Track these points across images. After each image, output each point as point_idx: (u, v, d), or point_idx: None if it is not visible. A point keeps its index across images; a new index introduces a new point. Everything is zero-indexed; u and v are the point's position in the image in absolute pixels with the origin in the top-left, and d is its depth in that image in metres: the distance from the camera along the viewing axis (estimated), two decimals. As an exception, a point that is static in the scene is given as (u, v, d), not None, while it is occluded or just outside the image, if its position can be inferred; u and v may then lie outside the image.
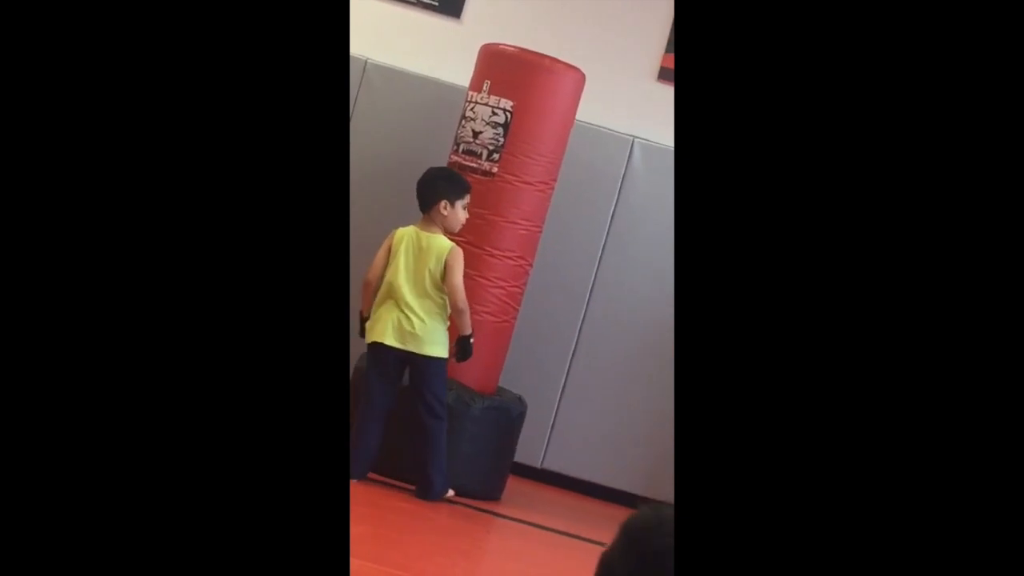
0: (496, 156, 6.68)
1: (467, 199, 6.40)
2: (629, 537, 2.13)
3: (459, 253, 6.33)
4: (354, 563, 4.98)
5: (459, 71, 7.20)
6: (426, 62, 7.62)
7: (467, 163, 6.73)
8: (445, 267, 6.29)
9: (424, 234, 6.35)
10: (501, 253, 6.72)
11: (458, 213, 6.36)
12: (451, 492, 6.44)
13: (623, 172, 7.57)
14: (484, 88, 6.72)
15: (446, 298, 6.33)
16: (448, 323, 6.37)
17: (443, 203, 6.33)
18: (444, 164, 6.91)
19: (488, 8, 7.80)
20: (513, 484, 7.05)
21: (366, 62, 7.54)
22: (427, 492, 6.36)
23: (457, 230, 6.41)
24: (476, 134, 6.71)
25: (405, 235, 6.38)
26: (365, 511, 6.03)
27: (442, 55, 7.65)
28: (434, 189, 6.36)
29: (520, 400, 6.94)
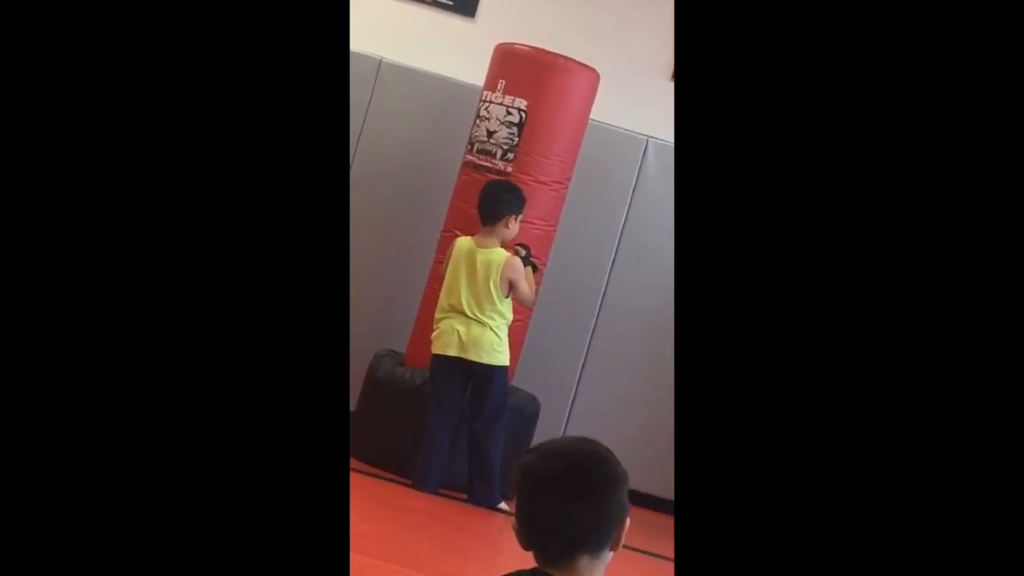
0: (510, 155, 6.69)
1: (523, 210, 6.50)
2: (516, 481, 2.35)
3: (512, 264, 6.40)
4: (367, 561, 4.99)
5: (473, 70, 7.20)
6: (440, 61, 7.62)
7: (481, 162, 6.74)
8: (507, 281, 6.38)
9: (481, 251, 6.40)
10: (515, 252, 6.73)
11: (516, 226, 6.47)
12: (505, 505, 6.48)
13: (637, 172, 7.57)
14: (499, 87, 6.73)
15: (509, 309, 6.43)
16: (507, 333, 6.50)
17: (510, 217, 6.41)
18: (458, 163, 6.92)
19: (502, 7, 7.80)
20: (526, 483, 7.04)
21: (380, 61, 7.55)
22: (486, 499, 6.42)
23: (509, 241, 6.52)
24: (491, 133, 6.71)
25: (463, 249, 6.43)
26: (378, 509, 6.04)
27: (456, 54, 7.65)
28: (504, 204, 6.42)
29: (533, 399, 6.94)
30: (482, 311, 6.37)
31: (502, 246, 6.44)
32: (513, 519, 2.36)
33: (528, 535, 2.33)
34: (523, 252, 6.48)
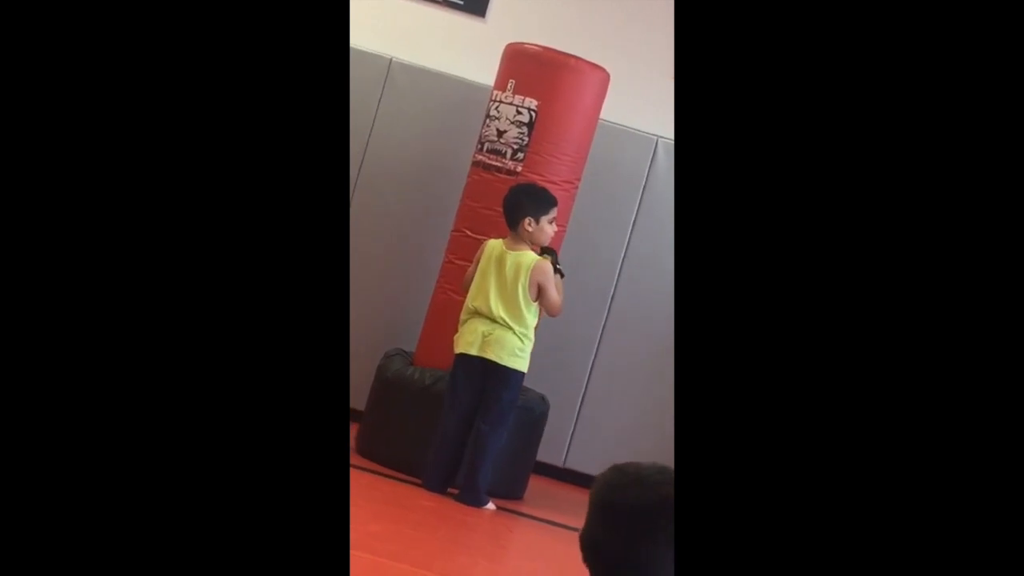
0: (520, 155, 6.69)
1: (553, 213, 6.42)
2: (594, 501, 2.14)
3: (543, 268, 6.37)
4: (375, 560, 5.00)
5: (484, 70, 7.21)
6: (451, 61, 7.62)
7: (491, 162, 6.74)
8: (536, 285, 6.36)
9: (511, 253, 6.38)
10: (525, 252, 6.71)
11: (544, 228, 6.40)
12: (492, 506, 6.47)
13: (647, 171, 7.57)
14: (509, 87, 6.73)
15: (535, 314, 6.42)
16: (533, 341, 6.47)
17: (527, 220, 6.37)
18: (468, 163, 6.92)
19: (513, 7, 7.80)
20: (535, 483, 7.06)
21: (391, 61, 7.55)
22: (472, 498, 6.40)
23: (547, 244, 6.47)
24: (501, 133, 6.71)
25: (495, 252, 6.41)
26: (387, 509, 6.05)
27: (467, 54, 7.65)
28: (518, 207, 6.39)
29: (543, 399, 6.94)
30: (509, 315, 6.36)
31: (532, 250, 6.42)
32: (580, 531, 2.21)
33: (591, 556, 2.16)
34: (549, 258, 6.44)
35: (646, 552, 2.10)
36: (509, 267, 6.36)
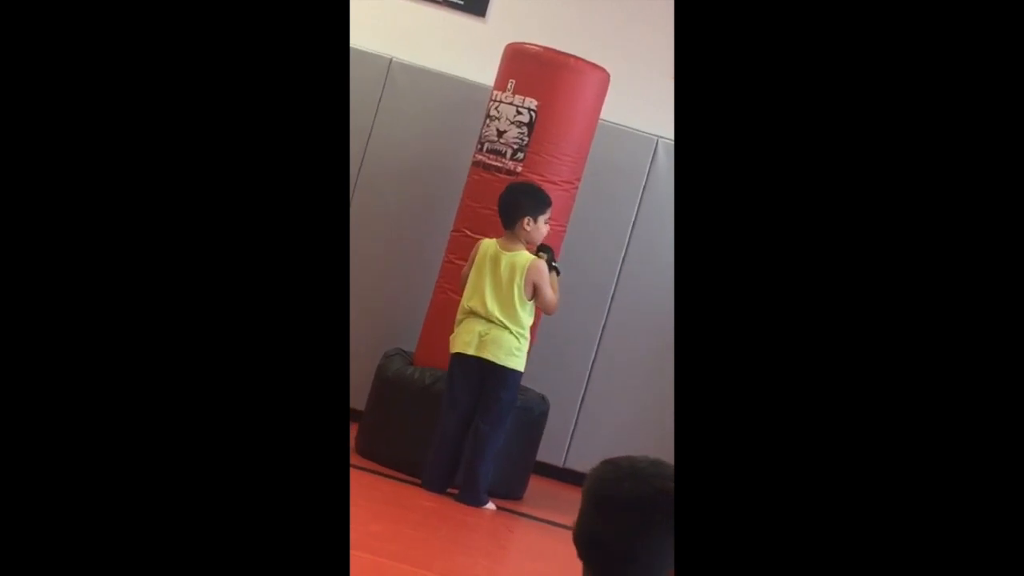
0: (520, 155, 6.69)
1: (549, 212, 6.44)
2: (588, 496, 2.16)
3: (538, 267, 6.38)
4: (375, 560, 5.00)
5: (484, 70, 7.21)
6: (451, 61, 7.63)
7: (491, 162, 6.74)
8: (531, 284, 6.36)
9: (505, 253, 6.39)
10: (525, 252, 6.71)
11: (540, 227, 6.42)
12: (492, 505, 6.46)
13: (647, 172, 7.57)
14: (509, 87, 6.73)
15: (531, 314, 6.41)
16: (529, 340, 6.47)
17: (526, 220, 6.37)
18: (467, 162, 6.93)
19: (513, 7, 7.80)
20: (535, 483, 7.06)
21: (391, 60, 7.55)
22: (471, 498, 6.39)
23: (540, 243, 6.49)
24: (501, 133, 6.71)
25: (488, 251, 6.42)
26: (387, 509, 6.05)
27: (467, 54, 7.65)
28: (517, 206, 6.39)
29: (543, 399, 6.94)
30: (504, 314, 6.36)
31: (527, 249, 6.43)
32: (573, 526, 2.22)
33: (586, 551, 2.17)
34: (545, 256, 6.44)
35: (642, 545, 2.12)
36: (504, 267, 6.36)
